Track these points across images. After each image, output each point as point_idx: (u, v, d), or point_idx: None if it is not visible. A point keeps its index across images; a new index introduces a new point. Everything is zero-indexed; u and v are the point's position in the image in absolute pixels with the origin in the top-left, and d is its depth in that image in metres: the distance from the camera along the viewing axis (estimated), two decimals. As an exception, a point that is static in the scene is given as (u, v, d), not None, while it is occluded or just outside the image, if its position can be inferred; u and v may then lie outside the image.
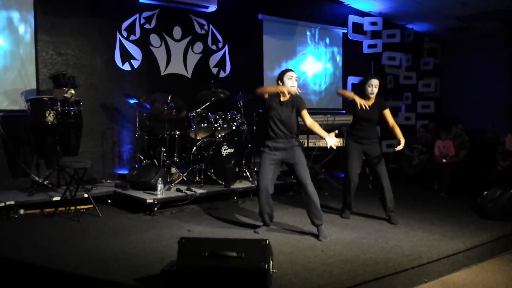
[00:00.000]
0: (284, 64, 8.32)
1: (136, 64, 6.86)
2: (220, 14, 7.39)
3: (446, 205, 5.88)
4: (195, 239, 3.28)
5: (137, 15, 6.83)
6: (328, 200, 6.08)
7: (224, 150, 6.12)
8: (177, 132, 6.38)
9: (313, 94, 8.83)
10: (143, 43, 6.91)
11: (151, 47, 6.99)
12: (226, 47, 7.71)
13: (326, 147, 7.05)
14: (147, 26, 6.93)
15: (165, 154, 6.18)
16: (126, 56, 6.76)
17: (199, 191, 5.68)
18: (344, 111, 8.85)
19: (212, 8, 7.18)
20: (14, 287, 3.37)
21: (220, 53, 7.67)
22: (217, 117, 6.36)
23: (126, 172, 6.58)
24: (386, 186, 4.93)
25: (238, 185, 6.15)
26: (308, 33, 8.74)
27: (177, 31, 7.22)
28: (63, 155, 5.69)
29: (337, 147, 6.95)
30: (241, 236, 4.22)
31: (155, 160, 6.33)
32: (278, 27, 8.27)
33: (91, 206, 5.32)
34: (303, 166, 4.38)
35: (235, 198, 6.07)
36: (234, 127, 6.46)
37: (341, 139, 6.96)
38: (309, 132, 7.05)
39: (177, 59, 7.23)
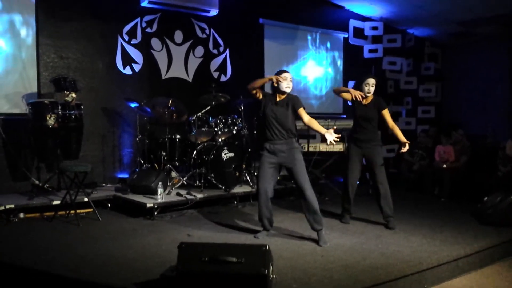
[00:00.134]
0: (285, 69, 8.28)
1: (137, 68, 6.87)
2: (222, 18, 7.41)
3: (446, 211, 5.88)
4: (195, 244, 3.28)
5: (138, 19, 6.85)
6: (328, 205, 6.07)
7: (225, 154, 6.12)
8: (178, 136, 6.39)
9: (314, 98, 8.84)
10: (145, 47, 6.92)
11: (152, 51, 7.00)
12: (227, 51, 7.72)
13: (327, 151, 7.15)
14: (148, 30, 6.94)
15: (165, 158, 6.19)
16: (127, 60, 6.78)
17: (199, 195, 5.68)
18: (345, 116, 8.87)
19: (214, 12, 7.20)
20: (14, 291, 3.37)
21: (221, 57, 7.68)
22: (218, 121, 6.36)
23: (126, 176, 6.59)
24: (384, 192, 4.92)
25: (238, 189, 6.15)
26: (309, 37, 8.75)
27: (178, 35, 7.23)
28: (64, 158, 5.69)
29: (337, 152, 7.02)
30: (241, 241, 4.22)
31: (155, 164, 6.33)
32: (279, 32, 8.28)
33: (91, 210, 5.32)
34: (302, 170, 4.35)
35: (235, 202, 6.07)
36: (234, 132, 6.46)
37: (341, 144, 6.97)
38: (310, 136, 7.08)
39: (178, 63, 7.24)
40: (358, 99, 4.89)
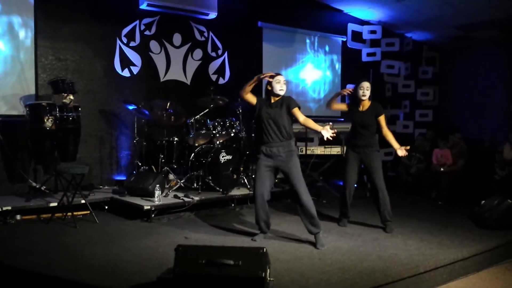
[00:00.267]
0: (283, 72, 8.35)
1: (135, 70, 6.87)
2: (220, 21, 7.42)
3: (444, 214, 5.88)
4: (192, 246, 3.27)
5: (137, 22, 6.85)
6: (326, 208, 6.07)
7: (222, 157, 6.12)
8: (176, 139, 6.39)
9: (312, 101, 8.86)
10: (143, 50, 6.93)
11: (150, 54, 7.00)
12: (226, 54, 7.73)
13: (324, 154, 7.15)
14: (147, 32, 6.95)
15: (163, 160, 6.18)
16: (126, 62, 6.78)
17: (196, 197, 5.67)
18: (343, 119, 8.87)
19: (212, 15, 7.21)
20: (10, 293, 3.36)
21: (220, 60, 7.69)
22: (216, 124, 6.37)
23: (123, 178, 6.58)
24: (382, 197, 4.91)
25: (236, 192, 6.15)
26: (307, 40, 8.77)
27: (177, 38, 7.24)
28: (61, 160, 5.68)
29: (335, 155, 7.03)
30: (238, 244, 4.20)
31: (153, 167, 6.32)
32: (277, 35, 8.30)
33: (88, 212, 5.31)
34: (298, 174, 4.34)
35: (233, 205, 6.06)
36: (232, 134, 6.46)
37: (339, 147, 6.98)
38: (307, 139, 7.09)
39: (176, 65, 7.24)
40: (347, 93, 4.97)
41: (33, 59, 6.03)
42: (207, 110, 6.46)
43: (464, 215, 5.59)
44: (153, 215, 5.27)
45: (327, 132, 4.24)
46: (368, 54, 9.08)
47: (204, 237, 4.59)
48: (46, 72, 6.14)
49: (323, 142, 7.07)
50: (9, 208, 5.08)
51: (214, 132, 6.32)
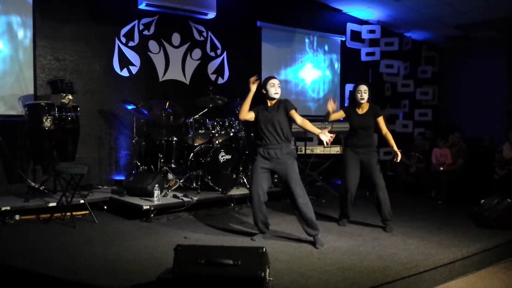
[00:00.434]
0: (282, 71, 8.35)
1: (134, 70, 6.86)
2: (219, 21, 7.41)
3: (443, 213, 5.88)
4: (191, 246, 3.27)
5: (136, 22, 6.84)
6: (325, 208, 6.08)
7: (222, 156, 6.12)
8: (175, 138, 6.38)
9: (312, 101, 8.85)
10: (142, 49, 6.92)
11: (149, 53, 6.99)
12: (225, 53, 7.72)
13: (324, 154, 7.15)
14: (146, 32, 6.94)
15: (162, 160, 6.17)
16: (125, 62, 6.77)
17: (196, 197, 5.66)
18: (342, 119, 8.86)
19: (211, 15, 7.20)
20: (9, 294, 3.35)
21: (219, 59, 7.68)
22: (215, 123, 6.36)
23: (122, 178, 6.57)
24: (382, 196, 4.92)
25: (235, 191, 6.14)
26: (306, 40, 8.77)
27: (176, 38, 7.23)
28: (60, 160, 5.67)
29: (334, 154, 7.02)
30: (237, 244, 4.20)
31: (152, 166, 6.32)
32: (276, 35, 8.29)
33: (87, 212, 5.30)
34: (296, 177, 4.32)
35: (232, 205, 6.06)
36: (231, 134, 6.46)
37: (338, 147, 6.97)
38: (307, 138, 7.08)
39: (175, 65, 7.23)
40: (332, 107, 4.89)
41: (32, 59, 6.01)
42: (206, 109, 6.45)
43: (464, 214, 5.59)
44: (152, 215, 5.26)
45: (325, 137, 4.25)
46: (367, 54, 9.07)
47: (203, 237, 4.59)
48: (45, 72, 6.13)
49: (322, 141, 7.10)
50: (8, 208, 5.07)
51: (213, 131, 6.31)
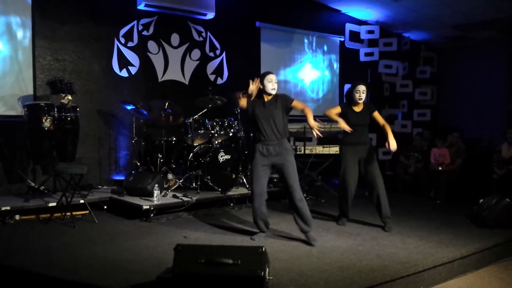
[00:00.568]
0: (282, 72, 8.36)
1: (133, 70, 6.87)
2: (218, 22, 7.42)
3: (442, 213, 5.89)
4: (191, 245, 3.28)
5: (135, 22, 6.85)
6: (324, 207, 6.09)
7: (221, 156, 6.13)
8: (174, 139, 6.40)
9: (311, 101, 8.86)
10: (141, 50, 6.93)
11: (148, 54, 7.00)
12: (224, 54, 7.74)
13: (323, 154, 7.16)
14: (145, 32, 6.95)
15: (161, 160, 6.18)
16: (124, 63, 6.78)
17: (195, 197, 5.67)
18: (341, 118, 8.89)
19: (210, 15, 7.21)
20: (9, 293, 3.36)
21: (218, 60, 7.69)
22: (214, 123, 6.37)
23: (122, 178, 6.57)
24: (381, 193, 4.94)
25: (234, 191, 6.15)
26: (305, 40, 8.79)
27: (175, 38, 7.24)
28: (60, 160, 5.68)
29: (333, 154, 7.03)
30: (237, 243, 4.21)
31: (151, 166, 6.33)
32: (275, 35, 8.31)
33: (87, 212, 5.31)
34: (294, 173, 4.36)
35: (232, 204, 6.07)
36: (231, 134, 6.47)
37: (337, 147, 6.97)
38: (306, 138, 7.09)
39: (174, 65, 7.25)
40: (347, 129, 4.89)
41: (31, 60, 6.02)
42: (206, 110, 6.46)
43: (463, 214, 5.60)
44: (152, 215, 5.27)
45: (316, 128, 4.31)
46: (366, 54, 9.09)
47: (203, 236, 4.59)
48: (44, 72, 6.14)
49: (321, 141, 7.12)
50: (8, 208, 5.08)
51: (212, 132, 6.32)
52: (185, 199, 5.58)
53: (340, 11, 8.85)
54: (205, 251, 3.04)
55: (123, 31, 6.75)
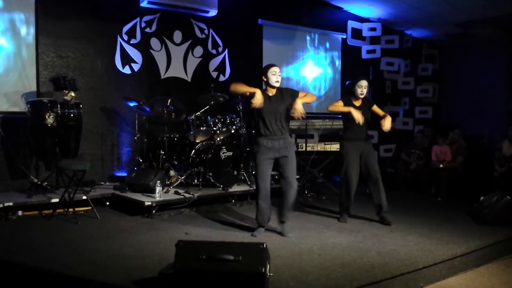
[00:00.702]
0: (284, 69, 8.36)
1: (136, 67, 6.88)
2: (220, 19, 7.42)
3: (443, 210, 5.91)
4: (192, 242, 3.30)
5: (138, 19, 6.87)
6: (325, 204, 6.11)
7: (223, 153, 6.15)
8: (176, 135, 6.42)
9: (312, 98, 8.85)
10: (144, 47, 6.94)
11: (151, 51, 7.02)
12: (226, 51, 7.74)
13: (324, 151, 7.17)
14: (147, 30, 6.96)
15: (164, 157, 6.21)
16: (127, 60, 6.79)
17: (197, 194, 5.69)
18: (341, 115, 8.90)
19: (213, 12, 7.21)
20: (13, 288, 3.39)
21: (220, 57, 7.70)
22: (216, 120, 6.39)
23: (124, 174, 6.60)
24: (382, 187, 5.04)
25: (236, 188, 6.18)
26: (308, 38, 8.78)
27: (178, 35, 7.25)
28: (62, 157, 5.71)
29: (335, 151, 7.04)
30: (238, 239, 4.23)
31: (154, 163, 6.35)
32: (277, 32, 8.31)
33: (90, 208, 5.34)
34: (293, 164, 4.42)
35: (233, 201, 6.09)
36: (233, 131, 6.48)
37: (339, 144, 6.98)
38: (308, 135, 7.10)
39: (177, 62, 7.26)
40: (359, 122, 4.89)
41: (35, 56, 6.04)
42: (208, 107, 6.48)
43: (463, 211, 5.61)
44: (154, 211, 5.30)
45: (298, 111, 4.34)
46: (368, 51, 9.08)
47: (204, 232, 4.62)
48: (48, 69, 6.16)
49: (323, 138, 7.13)
50: (11, 204, 5.11)
51: (214, 128, 6.34)
52: (187, 195, 5.60)
53: (342, 8, 8.84)
54: (206, 247, 3.06)
55: (126, 28, 6.76)
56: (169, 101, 6.31)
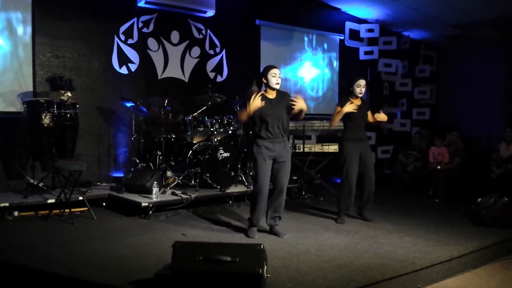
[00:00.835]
0: (282, 70, 8.30)
1: (133, 67, 6.87)
2: (218, 19, 7.42)
3: (441, 212, 5.91)
4: (189, 243, 3.29)
5: (135, 19, 6.85)
6: (323, 205, 6.11)
7: (220, 154, 6.13)
8: (173, 136, 6.40)
9: (310, 99, 8.86)
10: (141, 47, 6.92)
11: (148, 51, 7.00)
12: (224, 52, 7.73)
13: (322, 152, 7.17)
14: (145, 30, 6.95)
15: (161, 157, 6.19)
16: (124, 60, 6.77)
17: (194, 195, 5.68)
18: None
19: (210, 13, 7.20)
20: (8, 289, 3.36)
21: (218, 57, 7.69)
22: (214, 121, 6.37)
23: (121, 175, 6.58)
24: (373, 189, 5.16)
25: (233, 189, 6.16)
26: (305, 38, 8.78)
27: (175, 35, 7.24)
28: (59, 157, 5.68)
29: (332, 152, 7.04)
30: (235, 241, 4.23)
31: (150, 164, 6.33)
32: (275, 33, 8.30)
33: (86, 208, 5.31)
34: (288, 170, 4.47)
35: (230, 202, 6.08)
36: (230, 132, 6.47)
37: (337, 145, 6.98)
38: (305, 136, 7.10)
39: (174, 63, 7.24)
40: (354, 110, 4.99)
41: (31, 56, 6.02)
42: (205, 107, 6.47)
43: (461, 213, 5.61)
44: (150, 212, 5.28)
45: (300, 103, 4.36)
46: (366, 53, 9.09)
47: (201, 233, 4.60)
48: (44, 69, 6.14)
49: (320, 139, 7.13)
50: (7, 204, 5.08)
51: (212, 129, 6.32)
52: (184, 196, 5.59)
53: (340, 9, 8.84)
54: (203, 248, 3.05)
55: (123, 28, 6.75)
56: (166, 101, 6.29)
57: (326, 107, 9.03)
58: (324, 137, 7.24)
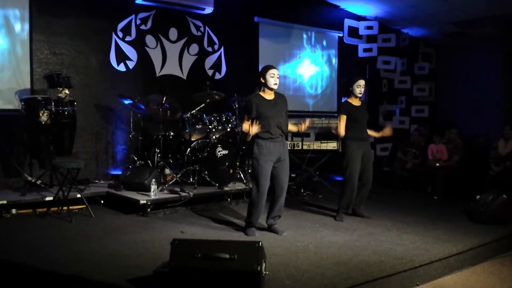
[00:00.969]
0: (280, 67, 8.34)
1: (131, 64, 6.85)
2: (216, 16, 7.40)
3: (439, 209, 5.91)
4: (188, 240, 3.28)
5: (133, 16, 6.83)
6: (322, 202, 6.11)
7: (219, 151, 6.12)
8: (172, 133, 6.39)
9: (309, 97, 8.85)
10: (139, 44, 6.90)
11: (146, 48, 6.98)
12: (222, 49, 7.72)
13: (320, 149, 7.17)
14: (143, 27, 6.92)
15: (159, 155, 6.18)
16: (122, 57, 6.76)
17: (192, 192, 5.67)
18: (336, 115, 8.89)
19: (208, 10, 7.19)
20: None
21: (216, 55, 7.67)
22: (212, 118, 6.36)
23: (119, 172, 6.57)
24: (368, 189, 5.23)
25: (231, 187, 6.15)
26: (304, 36, 8.77)
27: (173, 33, 7.22)
28: (57, 155, 5.67)
29: (331, 150, 7.03)
30: (234, 238, 4.22)
31: (149, 161, 6.32)
32: (274, 30, 8.29)
33: (84, 206, 5.30)
34: (287, 170, 4.48)
35: (229, 199, 6.07)
36: (228, 129, 6.46)
37: (335, 142, 6.98)
38: (304, 134, 7.09)
39: (172, 60, 7.23)
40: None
41: (29, 53, 5.99)
42: (203, 105, 6.46)
43: (459, 210, 5.62)
44: (149, 210, 5.27)
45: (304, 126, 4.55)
46: (365, 50, 9.08)
47: (200, 231, 4.60)
48: (42, 66, 6.12)
49: (319, 137, 7.12)
50: (5, 202, 5.07)
51: (210, 127, 6.31)
52: (182, 194, 5.58)
53: (339, 6, 8.83)
54: (202, 245, 3.04)
55: (121, 25, 6.73)
56: (164, 98, 6.28)
57: (325, 104, 9.02)
58: (322, 135, 7.22)
